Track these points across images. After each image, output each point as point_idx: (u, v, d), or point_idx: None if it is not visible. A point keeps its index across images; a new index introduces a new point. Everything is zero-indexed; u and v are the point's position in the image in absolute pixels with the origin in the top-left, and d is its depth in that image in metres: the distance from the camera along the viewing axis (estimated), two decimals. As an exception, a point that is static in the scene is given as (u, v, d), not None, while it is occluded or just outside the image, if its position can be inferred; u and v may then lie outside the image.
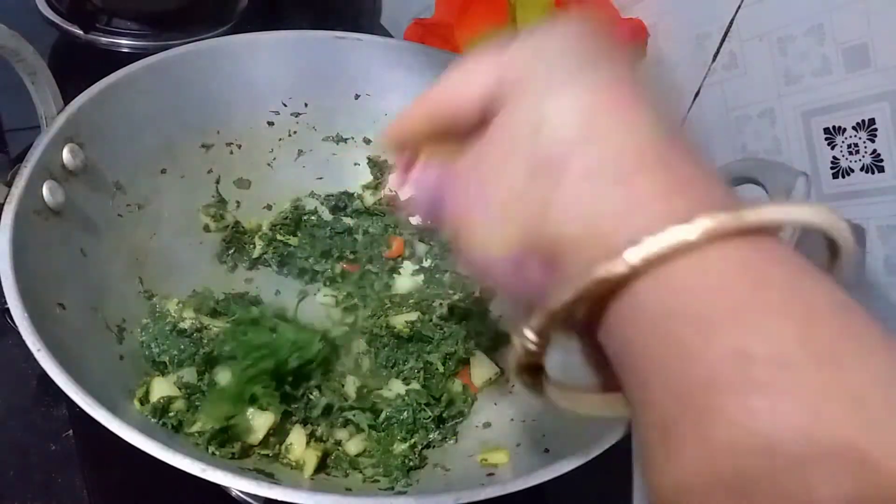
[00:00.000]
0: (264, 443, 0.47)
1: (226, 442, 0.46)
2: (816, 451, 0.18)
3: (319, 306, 0.59)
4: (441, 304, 0.59)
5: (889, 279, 0.51)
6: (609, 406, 0.27)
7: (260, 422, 0.47)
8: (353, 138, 0.66)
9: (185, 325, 0.52)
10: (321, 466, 0.48)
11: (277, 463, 0.47)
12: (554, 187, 0.24)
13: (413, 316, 0.58)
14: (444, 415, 0.52)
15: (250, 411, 0.47)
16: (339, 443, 0.50)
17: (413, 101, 0.31)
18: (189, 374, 0.50)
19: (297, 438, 0.48)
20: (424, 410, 0.51)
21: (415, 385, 0.53)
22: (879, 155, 0.50)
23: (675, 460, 0.20)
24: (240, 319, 0.53)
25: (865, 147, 0.50)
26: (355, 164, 0.67)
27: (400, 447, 0.49)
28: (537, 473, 0.39)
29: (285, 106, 0.64)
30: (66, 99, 0.52)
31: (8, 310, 0.40)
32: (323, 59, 0.64)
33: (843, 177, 0.52)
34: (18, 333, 0.39)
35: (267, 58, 0.62)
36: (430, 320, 0.58)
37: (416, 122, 0.32)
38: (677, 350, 0.20)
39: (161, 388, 0.47)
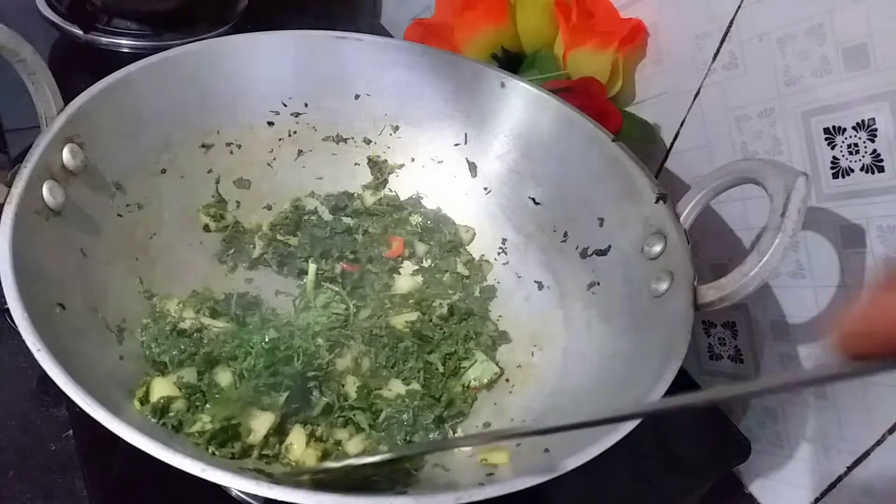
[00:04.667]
0: (264, 443, 0.47)
1: (226, 442, 0.46)
2: None
3: (318, 306, 0.59)
4: (441, 304, 0.59)
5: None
6: None
7: (260, 422, 0.47)
8: (353, 138, 0.66)
9: (186, 325, 0.52)
10: (321, 466, 0.48)
11: (277, 463, 0.47)
12: None
13: (413, 316, 0.58)
14: (445, 415, 0.52)
15: (251, 412, 0.48)
16: (338, 443, 0.50)
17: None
18: (189, 375, 0.50)
19: (296, 438, 0.48)
20: (425, 411, 0.51)
21: (415, 385, 0.53)
22: (879, 155, 0.50)
23: None
24: (248, 330, 0.53)
25: (865, 147, 0.50)
26: (355, 164, 0.67)
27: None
28: (537, 473, 0.39)
29: (285, 106, 0.64)
30: (66, 99, 0.52)
31: (8, 310, 0.40)
32: (323, 59, 0.64)
33: (843, 177, 0.52)
34: (18, 334, 0.39)
35: (267, 58, 0.62)
36: (430, 320, 0.58)
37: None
38: None
39: (161, 388, 0.47)
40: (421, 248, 0.65)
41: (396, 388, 0.53)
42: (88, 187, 0.51)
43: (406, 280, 0.63)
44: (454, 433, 0.51)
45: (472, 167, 0.66)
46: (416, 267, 0.64)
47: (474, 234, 0.65)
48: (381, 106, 0.66)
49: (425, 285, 0.62)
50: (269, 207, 0.64)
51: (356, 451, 0.49)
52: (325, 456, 0.48)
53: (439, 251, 0.64)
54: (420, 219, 0.66)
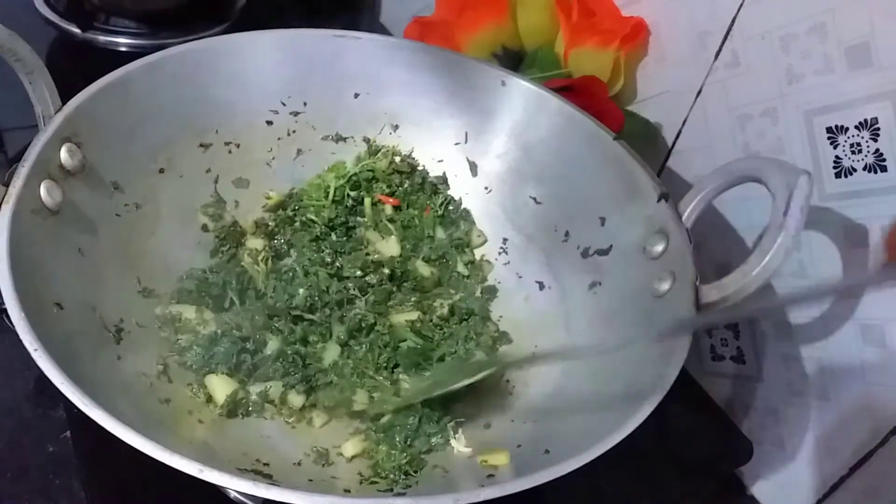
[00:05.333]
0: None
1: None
2: None
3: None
4: (442, 304, 0.59)
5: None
6: None
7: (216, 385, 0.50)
8: (352, 137, 0.66)
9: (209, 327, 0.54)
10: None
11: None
12: None
13: (413, 315, 0.57)
14: (444, 416, 0.52)
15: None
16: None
17: None
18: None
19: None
20: (424, 413, 0.51)
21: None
22: (882, 154, 0.49)
23: None
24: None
25: (868, 146, 0.50)
26: (355, 163, 0.67)
27: (399, 448, 0.49)
28: (537, 474, 0.38)
29: (284, 105, 0.64)
30: (64, 98, 0.51)
31: (5, 310, 0.40)
32: (322, 57, 0.63)
33: (846, 176, 0.52)
34: (15, 334, 0.39)
35: (266, 57, 0.62)
36: (431, 320, 0.57)
37: None
38: None
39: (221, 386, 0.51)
40: (440, 232, 0.64)
41: (396, 388, 0.53)
42: (86, 187, 0.51)
43: (423, 266, 0.62)
44: (455, 434, 0.51)
45: (473, 166, 0.65)
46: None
47: (485, 240, 0.65)
48: (380, 105, 0.65)
49: (436, 275, 0.61)
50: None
51: (354, 452, 0.49)
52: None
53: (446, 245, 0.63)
54: (442, 199, 0.64)
